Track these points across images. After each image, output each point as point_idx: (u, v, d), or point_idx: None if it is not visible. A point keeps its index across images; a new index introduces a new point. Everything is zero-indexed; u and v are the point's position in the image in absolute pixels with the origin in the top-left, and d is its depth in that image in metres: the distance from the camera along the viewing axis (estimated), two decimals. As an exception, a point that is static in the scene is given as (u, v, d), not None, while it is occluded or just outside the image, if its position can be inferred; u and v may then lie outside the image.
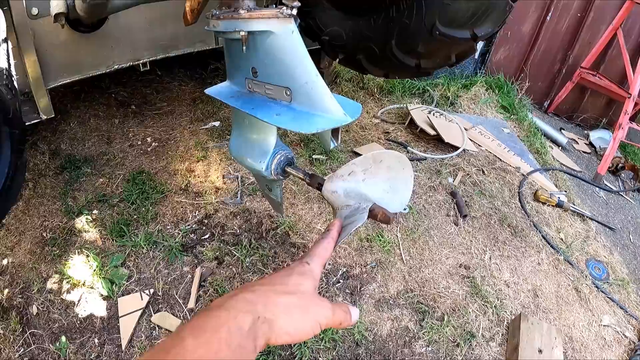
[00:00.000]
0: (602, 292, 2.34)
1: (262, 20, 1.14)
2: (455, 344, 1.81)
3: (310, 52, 2.49)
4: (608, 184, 3.35)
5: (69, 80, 1.92)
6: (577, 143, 3.74)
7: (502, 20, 2.11)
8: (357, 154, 2.59)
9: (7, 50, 1.62)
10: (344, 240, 1.47)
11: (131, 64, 2.12)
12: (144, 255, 1.82)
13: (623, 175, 3.53)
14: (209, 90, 1.46)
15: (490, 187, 2.67)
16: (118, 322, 1.63)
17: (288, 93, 1.24)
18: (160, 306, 1.69)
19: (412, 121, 2.94)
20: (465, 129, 3.09)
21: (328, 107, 1.20)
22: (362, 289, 1.94)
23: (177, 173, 2.22)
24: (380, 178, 1.09)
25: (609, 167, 3.42)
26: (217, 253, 1.86)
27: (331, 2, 2.09)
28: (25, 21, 1.65)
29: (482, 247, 2.29)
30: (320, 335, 1.71)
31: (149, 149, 2.40)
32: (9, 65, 1.64)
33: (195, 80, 3.01)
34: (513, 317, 1.99)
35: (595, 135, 3.83)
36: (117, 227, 1.89)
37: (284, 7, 1.12)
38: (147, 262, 1.79)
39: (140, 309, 1.65)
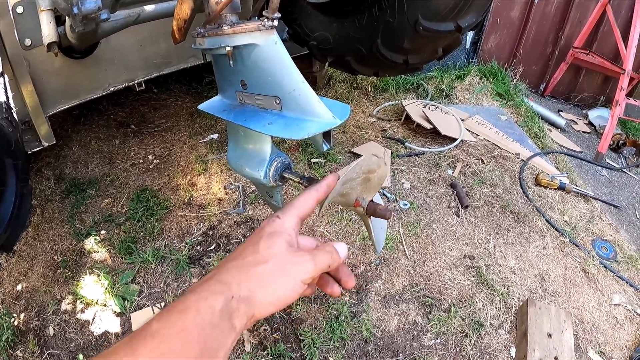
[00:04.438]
0: (611, 271, 2.36)
1: (245, 34, 1.19)
2: (464, 334, 1.84)
3: (301, 56, 2.57)
4: (610, 162, 3.36)
5: (67, 106, 1.98)
6: (577, 123, 3.74)
7: (486, 9, 2.14)
8: (355, 154, 2.64)
9: (5, 84, 1.68)
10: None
11: (126, 84, 2.17)
12: (153, 270, 1.88)
13: (625, 151, 3.53)
14: (202, 106, 1.52)
15: (491, 175, 2.70)
16: (132, 337, 1.69)
17: (278, 102, 1.30)
18: (172, 319, 1.75)
19: (408, 117, 2.97)
20: (462, 120, 3.12)
21: (317, 112, 1.26)
22: (367, 286, 1.99)
23: (180, 188, 2.28)
24: (358, 177, 1.16)
25: (610, 145, 3.43)
26: (224, 263, 1.92)
27: (315, 7, 2.15)
28: (19, 53, 1.70)
29: (486, 236, 2.32)
30: (329, 335, 1.75)
31: (150, 167, 2.47)
32: (7, 98, 1.70)
33: (191, 95, 3.08)
34: (520, 304, 2.01)
35: (594, 114, 3.83)
36: (125, 245, 1.95)
37: (266, 20, 1.17)
38: (157, 276, 1.86)
39: (152, 323, 1.71)
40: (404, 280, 2.04)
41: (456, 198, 2.48)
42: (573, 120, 3.77)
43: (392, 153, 2.69)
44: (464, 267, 2.15)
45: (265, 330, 1.72)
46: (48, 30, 1.53)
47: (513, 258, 2.25)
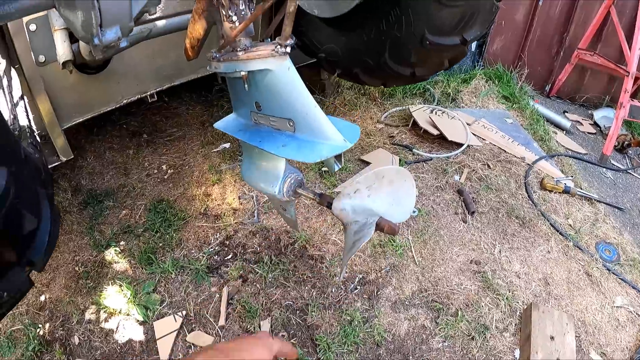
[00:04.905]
0: (614, 273, 2.43)
1: (259, 60, 1.28)
2: (470, 337, 1.93)
3: (310, 64, 2.63)
4: (615, 163, 3.42)
5: (81, 120, 2.04)
6: (582, 124, 3.79)
7: (490, 22, 2.21)
8: (365, 162, 2.72)
9: (25, 106, 1.73)
10: (356, 251, 1.61)
11: (139, 96, 2.24)
12: (173, 280, 1.98)
13: (630, 152, 3.59)
14: (218, 125, 1.62)
15: (497, 180, 2.77)
16: (156, 344, 1.79)
17: (291, 124, 1.40)
18: (193, 326, 1.85)
19: (415, 122, 3.04)
20: (468, 124, 3.19)
21: (329, 135, 1.36)
22: (378, 293, 2.08)
23: (195, 198, 2.38)
24: (383, 192, 1.25)
25: (615, 146, 3.48)
26: (241, 271, 2.02)
27: (324, 20, 2.22)
28: (35, 69, 1.76)
29: (492, 241, 2.40)
30: (343, 340, 1.85)
31: (165, 177, 2.56)
32: (29, 120, 1.75)
33: (202, 104, 3.17)
34: (525, 307, 2.10)
35: (599, 115, 3.88)
36: (145, 256, 2.05)
37: (279, 46, 1.26)
38: (177, 286, 1.96)
39: (175, 330, 1.82)
40: (413, 286, 2.13)
41: (463, 204, 2.56)
42: (578, 122, 3.83)
43: (400, 160, 2.76)
44: (470, 272, 2.24)
45: (283, 336, 1.81)
46: (63, 49, 1.58)
47: (518, 262, 2.33)
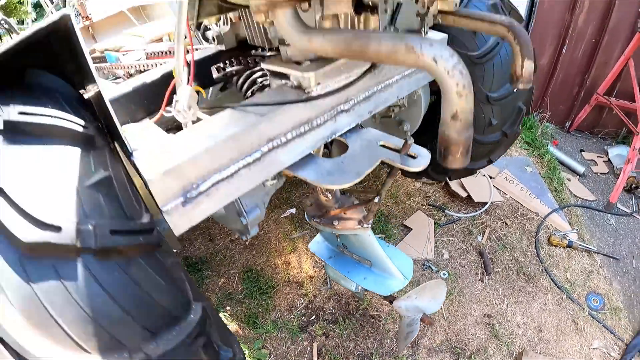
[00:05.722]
0: (597, 320, 3.22)
1: (349, 229, 2.08)
2: (481, 378, 2.83)
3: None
4: (621, 207, 4.02)
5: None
6: (596, 164, 4.33)
7: (509, 146, 2.82)
8: (407, 227, 3.45)
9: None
10: (410, 341, 2.48)
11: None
12: (274, 337, 2.92)
13: (638, 192, 4.13)
14: (312, 248, 2.44)
15: (512, 238, 3.49)
16: (271, 385, 2.77)
17: (369, 263, 2.22)
18: (294, 371, 2.82)
19: (447, 182, 3.69)
20: (492, 178, 3.81)
21: (394, 274, 2.19)
22: (418, 342, 2.97)
23: (278, 267, 3.24)
24: (427, 294, 2.15)
25: (625, 187, 4.04)
26: (324, 330, 2.93)
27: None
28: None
29: (502, 297, 3.21)
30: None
31: (247, 243, 3.39)
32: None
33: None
34: (518, 351, 2.96)
35: (614, 152, 4.38)
36: (250, 320, 2.97)
37: (364, 223, 2.05)
38: (279, 342, 2.90)
39: (283, 375, 2.79)
40: (442, 336, 3.01)
41: (482, 265, 3.32)
42: (593, 160, 4.35)
43: (435, 223, 3.49)
44: (483, 324, 3.08)
45: (353, 381, 2.75)
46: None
47: (519, 314, 3.15)
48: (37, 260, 0.90)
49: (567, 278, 3.42)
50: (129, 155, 1.25)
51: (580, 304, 3.28)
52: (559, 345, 3.06)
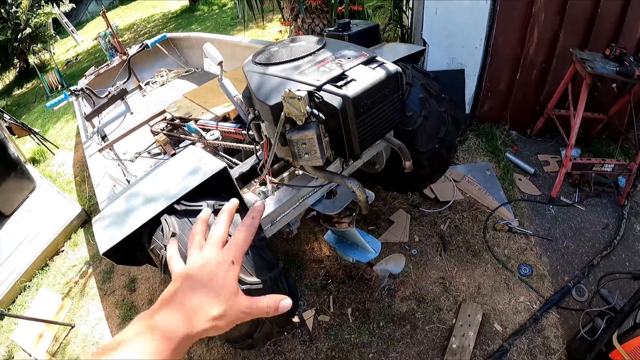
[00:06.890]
0: (525, 283, 4.69)
1: (344, 228, 3.89)
2: (436, 309, 4.51)
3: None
4: (564, 199, 5.30)
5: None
6: (549, 164, 5.59)
7: (441, 175, 4.38)
8: (391, 221, 5.12)
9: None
10: (382, 287, 4.26)
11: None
12: (306, 294, 4.78)
13: (582, 187, 5.36)
14: (326, 238, 4.30)
15: (466, 226, 5.02)
16: None
17: (356, 245, 4.03)
18: None
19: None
20: (456, 181, 5.31)
21: (370, 250, 4.00)
22: (394, 294, 4.68)
23: (306, 251, 5.09)
24: (392, 262, 3.98)
25: (570, 182, 5.31)
26: (337, 288, 4.76)
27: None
28: None
29: (453, 266, 4.79)
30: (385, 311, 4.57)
31: (289, 237, 5.26)
32: None
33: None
34: (461, 301, 4.57)
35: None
36: (290, 280, 4.86)
37: (351, 224, 3.86)
38: (309, 296, 4.77)
39: None
40: (410, 290, 4.69)
41: (442, 245, 4.92)
42: (547, 161, 5.62)
43: (411, 217, 5.12)
44: (438, 283, 4.70)
45: None
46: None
47: (465, 277, 4.72)
48: None
49: (505, 254, 4.88)
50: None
51: (512, 271, 4.74)
52: (493, 299, 4.58)
